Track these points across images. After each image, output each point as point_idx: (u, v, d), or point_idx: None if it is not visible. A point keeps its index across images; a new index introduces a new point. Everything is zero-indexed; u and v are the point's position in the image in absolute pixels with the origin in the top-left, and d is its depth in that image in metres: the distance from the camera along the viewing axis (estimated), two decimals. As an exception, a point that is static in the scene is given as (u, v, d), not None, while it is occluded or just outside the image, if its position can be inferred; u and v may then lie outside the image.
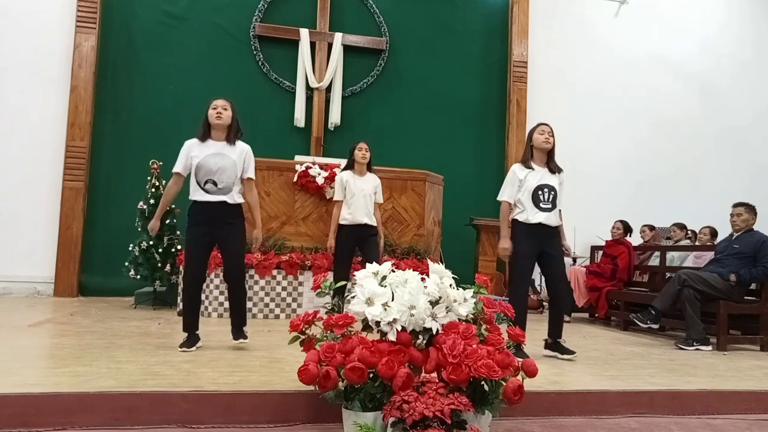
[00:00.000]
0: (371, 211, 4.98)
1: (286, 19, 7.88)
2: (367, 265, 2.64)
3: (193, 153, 3.77)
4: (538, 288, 7.40)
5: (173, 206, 6.16)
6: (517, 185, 4.05)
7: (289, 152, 6.97)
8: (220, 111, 3.76)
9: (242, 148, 3.87)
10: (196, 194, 3.77)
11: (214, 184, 3.73)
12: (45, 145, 7.12)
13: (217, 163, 3.73)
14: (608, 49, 8.88)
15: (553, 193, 4.01)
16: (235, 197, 3.81)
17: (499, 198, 4.16)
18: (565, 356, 3.93)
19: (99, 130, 7.35)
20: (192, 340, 3.76)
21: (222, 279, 5.31)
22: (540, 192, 4.00)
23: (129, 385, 2.69)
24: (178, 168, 3.83)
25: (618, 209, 7.68)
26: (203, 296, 5.61)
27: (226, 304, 5.37)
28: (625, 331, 5.91)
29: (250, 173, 3.90)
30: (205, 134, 3.80)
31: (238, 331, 3.89)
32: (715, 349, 4.83)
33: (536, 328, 4.46)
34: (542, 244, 4.01)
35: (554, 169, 4.07)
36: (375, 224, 5.02)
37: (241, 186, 3.89)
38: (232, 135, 3.82)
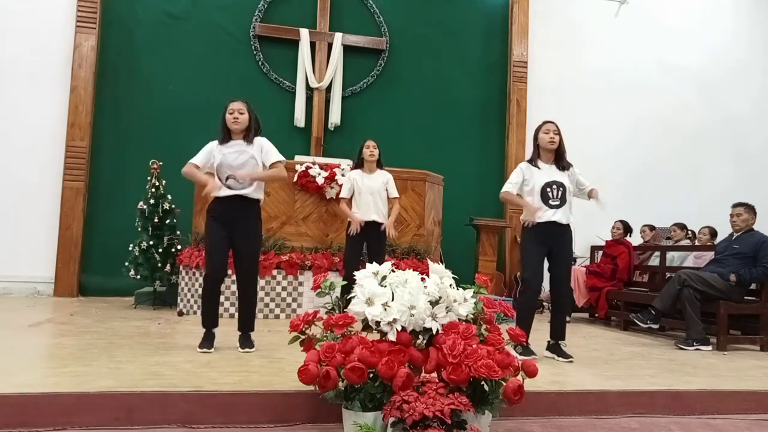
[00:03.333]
0: (381, 208, 4.97)
1: (286, 19, 7.88)
2: (368, 264, 2.64)
3: (215, 154, 3.80)
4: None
5: (173, 206, 6.17)
6: (521, 181, 4.04)
7: (289, 152, 6.90)
8: (237, 116, 3.78)
9: (259, 143, 3.88)
10: (218, 191, 3.78)
11: (236, 179, 3.76)
12: (45, 145, 7.12)
13: (237, 159, 3.77)
14: (608, 48, 8.88)
15: (562, 189, 3.98)
16: (255, 192, 3.82)
17: (501, 191, 4.14)
18: (562, 359, 3.92)
19: (99, 130, 7.35)
20: (211, 339, 3.76)
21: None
22: (548, 189, 3.97)
23: (129, 385, 2.69)
24: (195, 160, 3.81)
25: (618, 209, 7.67)
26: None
27: (227, 304, 5.42)
28: (625, 331, 5.91)
29: (274, 157, 3.86)
30: (225, 137, 3.82)
31: (245, 339, 3.86)
32: (715, 349, 4.83)
33: (536, 328, 4.45)
34: (551, 243, 3.99)
35: (564, 166, 4.05)
36: (385, 222, 5.00)
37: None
38: (250, 135, 3.83)
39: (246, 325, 3.90)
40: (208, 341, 3.73)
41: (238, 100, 3.86)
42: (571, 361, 3.88)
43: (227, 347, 3.84)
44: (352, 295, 2.51)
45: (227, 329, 4.22)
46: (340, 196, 5.14)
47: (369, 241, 5.00)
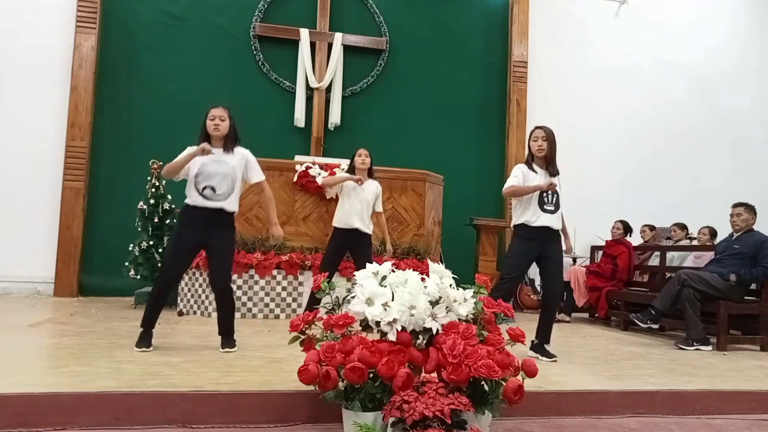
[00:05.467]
0: (366, 218, 4.91)
1: (286, 19, 7.88)
2: (367, 265, 2.64)
3: (192, 160, 3.74)
4: (538, 288, 7.40)
5: (173, 206, 6.18)
6: (521, 179, 4.01)
7: (289, 152, 6.97)
8: (218, 122, 3.74)
9: (241, 153, 3.84)
10: (193, 199, 3.73)
11: (213, 190, 3.70)
12: (45, 145, 7.12)
13: (216, 170, 3.71)
14: (608, 48, 8.88)
15: (556, 195, 4.01)
16: (232, 205, 3.78)
17: (505, 187, 4.05)
18: (546, 359, 3.91)
19: (99, 130, 7.35)
20: (149, 339, 3.72)
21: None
22: (545, 194, 3.98)
23: (129, 385, 2.69)
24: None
25: (617, 209, 7.69)
26: (204, 296, 5.63)
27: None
28: (625, 331, 5.91)
29: (257, 177, 3.88)
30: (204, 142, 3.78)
31: (227, 340, 3.82)
32: (715, 349, 4.83)
33: (535, 328, 4.45)
34: (542, 247, 4.00)
35: (553, 172, 4.06)
36: (368, 232, 4.94)
37: (239, 193, 3.86)
38: (229, 143, 3.79)
39: (227, 329, 3.85)
40: (145, 340, 3.70)
41: (219, 106, 3.81)
42: (555, 361, 3.88)
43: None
44: (352, 295, 2.50)
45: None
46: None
47: (353, 249, 4.92)
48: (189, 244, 3.77)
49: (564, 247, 4.15)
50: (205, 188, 3.70)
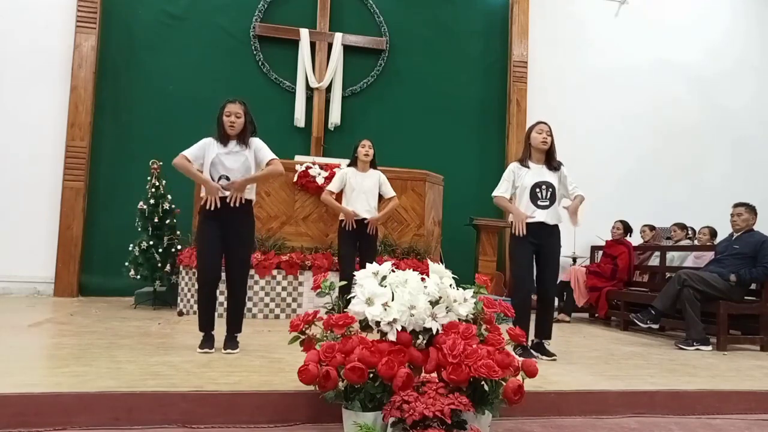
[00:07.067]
0: (372, 207, 4.98)
1: (286, 19, 7.88)
2: (367, 265, 2.64)
3: (208, 151, 3.77)
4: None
5: (173, 206, 6.18)
6: (512, 182, 4.09)
7: (289, 152, 6.96)
8: (234, 120, 3.76)
9: (253, 144, 3.87)
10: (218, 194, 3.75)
11: (228, 179, 3.74)
12: (45, 145, 7.12)
13: (230, 160, 3.75)
14: (608, 48, 8.88)
15: (551, 189, 4.00)
16: (249, 193, 3.82)
17: (493, 194, 4.15)
18: (546, 358, 3.92)
19: (99, 130, 7.34)
20: (211, 340, 3.75)
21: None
22: (538, 189, 4.00)
23: (129, 385, 2.69)
24: (188, 153, 3.76)
25: (617, 209, 7.68)
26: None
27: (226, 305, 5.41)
28: (625, 331, 5.91)
29: (268, 156, 3.85)
30: (222, 137, 3.79)
31: (230, 339, 3.80)
32: (715, 349, 4.83)
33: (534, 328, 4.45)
34: (539, 243, 4.01)
35: (554, 166, 4.08)
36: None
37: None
38: (246, 137, 3.82)
39: (234, 326, 3.85)
40: (208, 342, 3.73)
41: (236, 101, 3.82)
42: (555, 359, 3.90)
43: (227, 347, 3.85)
44: (351, 295, 2.51)
45: (224, 329, 4.21)
46: (328, 188, 5.12)
47: (361, 240, 4.98)
48: (213, 235, 3.76)
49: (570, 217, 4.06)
50: (220, 178, 3.74)
